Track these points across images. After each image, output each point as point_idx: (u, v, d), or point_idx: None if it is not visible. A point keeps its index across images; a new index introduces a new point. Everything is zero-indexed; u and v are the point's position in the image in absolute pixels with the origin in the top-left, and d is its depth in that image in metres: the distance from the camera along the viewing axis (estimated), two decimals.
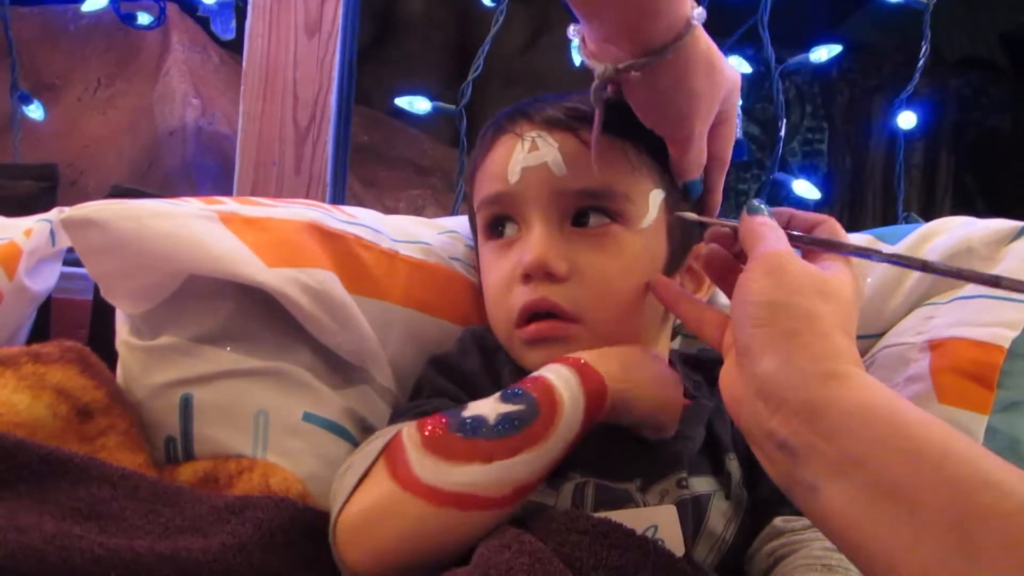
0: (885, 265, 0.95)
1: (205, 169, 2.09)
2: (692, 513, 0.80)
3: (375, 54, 2.65)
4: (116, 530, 0.67)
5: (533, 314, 0.82)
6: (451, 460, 0.70)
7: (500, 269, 0.85)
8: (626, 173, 0.83)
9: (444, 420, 0.73)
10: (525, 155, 0.83)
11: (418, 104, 1.49)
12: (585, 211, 0.82)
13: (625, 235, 0.82)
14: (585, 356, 0.78)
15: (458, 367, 0.86)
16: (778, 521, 0.81)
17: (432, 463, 0.70)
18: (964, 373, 0.84)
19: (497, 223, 0.86)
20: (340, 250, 0.93)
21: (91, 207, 0.85)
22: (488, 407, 0.74)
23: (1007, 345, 0.84)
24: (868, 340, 0.94)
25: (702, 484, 0.82)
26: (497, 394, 0.76)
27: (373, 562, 0.69)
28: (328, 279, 0.88)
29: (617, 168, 0.82)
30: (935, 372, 0.85)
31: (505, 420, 0.72)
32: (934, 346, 0.87)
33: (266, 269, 0.85)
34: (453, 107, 1.47)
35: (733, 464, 0.84)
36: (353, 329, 0.88)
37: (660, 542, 0.73)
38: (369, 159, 2.44)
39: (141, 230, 0.83)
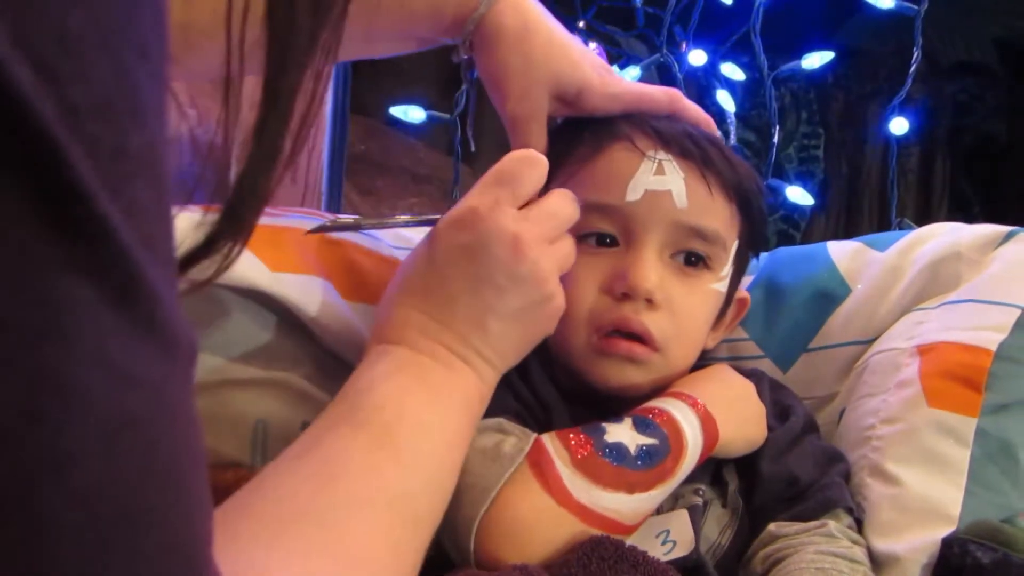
0: (877, 273, 0.95)
1: (202, 178, 2.10)
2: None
3: (370, 63, 2.65)
4: None
5: (615, 330, 0.83)
6: (600, 484, 0.73)
7: (585, 276, 0.84)
8: (728, 225, 0.86)
9: (589, 440, 0.75)
10: (651, 176, 0.83)
11: (413, 113, 1.50)
12: (690, 248, 0.85)
13: (710, 279, 0.86)
14: (704, 399, 0.82)
15: None
16: (772, 527, 0.82)
17: (584, 483, 0.73)
18: (953, 377, 0.85)
19: (591, 234, 0.85)
20: (339, 257, 0.93)
21: None
22: (626, 435, 0.76)
23: (994, 348, 0.84)
24: (860, 346, 0.95)
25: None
26: (629, 420, 0.78)
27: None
28: (323, 286, 0.89)
29: (724, 217, 0.85)
30: (924, 376, 0.86)
31: (644, 453, 0.75)
32: (923, 351, 0.87)
33: (270, 273, 0.85)
34: (448, 116, 1.48)
35: (730, 473, 0.86)
36: (354, 334, 0.88)
37: (672, 545, 0.77)
38: (366, 168, 2.44)
39: None
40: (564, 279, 0.86)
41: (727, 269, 0.88)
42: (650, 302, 0.82)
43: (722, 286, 0.88)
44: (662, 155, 0.83)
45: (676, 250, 0.85)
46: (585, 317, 0.84)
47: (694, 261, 0.85)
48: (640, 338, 0.83)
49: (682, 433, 0.78)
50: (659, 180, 0.83)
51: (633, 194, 0.83)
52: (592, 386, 0.85)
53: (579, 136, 0.88)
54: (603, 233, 0.84)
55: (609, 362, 0.84)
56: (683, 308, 0.84)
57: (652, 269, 0.82)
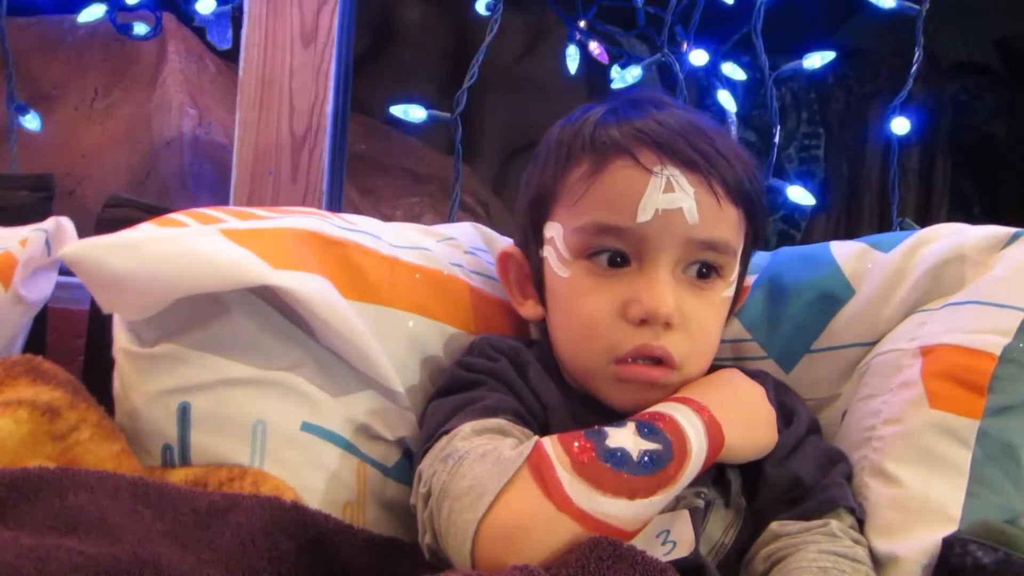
0: (880, 274, 0.95)
1: (202, 178, 2.09)
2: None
3: (371, 63, 2.66)
4: (96, 533, 0.66)
5: (635, 357, 0.83)
6: (601, 489, 0.72)
7: (600, 300, 0.83)
8: (736, 232, 0.86)
9: (590, 445, 0.74)
10: (660, 195, 0.81)
11: (413, 112, 1.49)
12: (703, 262, 0.84)
13: (721, 288, 0.86)
14: (710, 404, 0.81)
15: (493, 371, 0.86)
16: (774, 525, 0.82)
17: (584, 488, 0.72)
18: (955, 379, 0.84)
19: (603, 251, 0.84)
20: (340, 256, 0.93)
21: (88, 243, 0.84)
22: (628, 440, 0.75)
23: (998, 352, 0.84)
24: (863, 348, 0.94)
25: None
26: (632, 425, 0.77)
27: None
28: (325, 284, 0.88)
29: (733, 224, 0.85)
30: (926, 377, 0.85)
31: (646, 458, 0.74)
32: (926, 352, 0.87)
33: (273, 271, 0.85)
34: (448, 115, 1.47)
35: (733, 472, 0.85)
36: (356, 332, 0.88)
37: (672, 545, 0.77)
38: (366, 167, 2.44)
39: (145, 260, 0.83)
40: (578, 302, 0.84)
41: (734, 274, 0.88)
42: (668, 324, 0.82)
43: (731, 291, 0.88)
44: (669, 170, 0.82)
45: (688, 263, 0.84)
46: (603, 345, 0.83)
47: (705, 273, 0.85)
48: (659, 360, 0.82)
49: (686, 439, 0.77)
50: (669, 199, 0.81)
51: (644, 215, 0.81)
52: (606, 405, 0.85)
53: (576, 153, 0.86)
54: (615, 251, 0.83)
55: (628, 387, 0.83)
56: (699, 324, 0.84)
57: (668, 291, 0.81)
